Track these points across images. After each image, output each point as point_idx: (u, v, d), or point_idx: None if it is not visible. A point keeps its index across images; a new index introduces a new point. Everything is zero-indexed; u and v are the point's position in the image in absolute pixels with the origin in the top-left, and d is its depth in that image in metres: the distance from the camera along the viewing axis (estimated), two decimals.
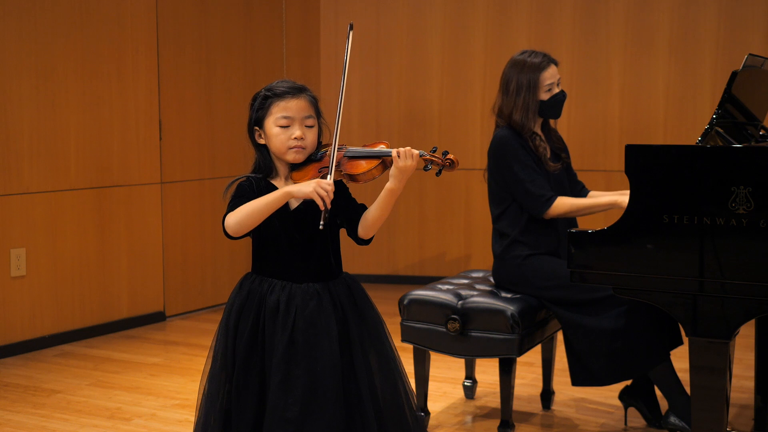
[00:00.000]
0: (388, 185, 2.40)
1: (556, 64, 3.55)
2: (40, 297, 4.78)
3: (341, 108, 2.48)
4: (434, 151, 2.43)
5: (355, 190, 2.56)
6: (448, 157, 2.43)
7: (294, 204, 2.47)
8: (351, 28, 2.50)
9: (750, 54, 3.14)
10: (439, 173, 2.44)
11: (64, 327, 4.90)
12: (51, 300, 4.83)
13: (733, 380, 3.49)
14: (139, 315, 5.31)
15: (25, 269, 4.69)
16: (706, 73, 5.73)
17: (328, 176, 2.36)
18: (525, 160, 3.46)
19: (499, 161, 3.51)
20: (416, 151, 2.39)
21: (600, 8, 5.91)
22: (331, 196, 2.31)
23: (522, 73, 3.50)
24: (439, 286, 3.62)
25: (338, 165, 2.43)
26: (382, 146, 2.45)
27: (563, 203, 3.44)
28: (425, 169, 2.42)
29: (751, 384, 3.75)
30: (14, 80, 4.61)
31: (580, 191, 3.68)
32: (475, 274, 3.87)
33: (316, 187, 2.31)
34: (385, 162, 2.41)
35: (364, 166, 2.41)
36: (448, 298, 3.44)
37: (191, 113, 5.56)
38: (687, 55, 5.76)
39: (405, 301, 3.50)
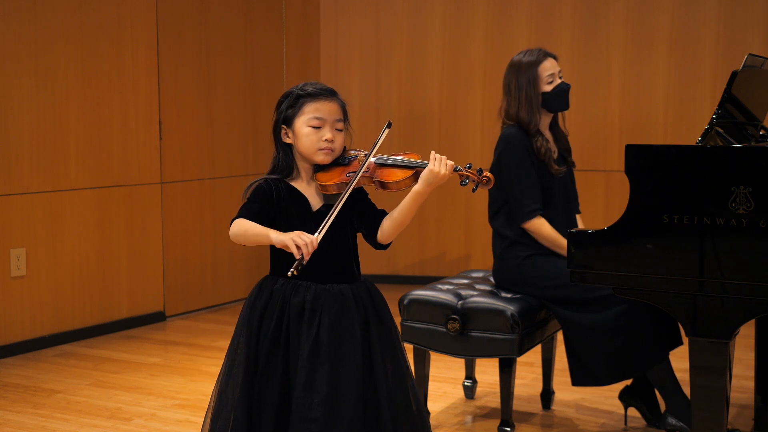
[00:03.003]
0: (416, 188, 2.41)
1: (553, 57, 3.55)
2: (40, 297, 4.78)
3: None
4: (469, 167, 2.45)
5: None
6: (483, 174, 2.44)
7: (316, 206, 2.48)
8: (389, 126, 2.45)
9: (750, 54, 3.14)
10: (475, 189, 2.46)
11: (64, 327, 4.90)
12: (51, 300, 4.83)
13: (733, 380, 3.49)
14: (139, 315, 5.31)
15: (25, 269, 4.69)
16: (706, 73, 5.73)
17: (317, 233, 2.33)
18: (526, 164, 3.45)
19: (502, 157, 3.51)
20: (451, 162, 2.40)
21: (600, 8, 5.91)
22: (311, 249, 2.28)
23: (521, 73, 3.51)
24: (439, 286, 3.62)
25: (368, 170, 2.44)
26: (413, 157, 2.47)
27: (543, 228, 3.44)
28: (462, 183, 2.44)
29: (751, 384, 3.75)
30: (14, 80, 4.61)
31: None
32: (475, 274, 3.87)
33: (295, 237, 2.29)
34: (417, 173, 2.42)
35: (396, 174, 2.43)
36: (448, 298, 3.44)
37: (191, 113, 5.56)
38: (687, 55, 5.76)
39: (405, 301, 3.50)
